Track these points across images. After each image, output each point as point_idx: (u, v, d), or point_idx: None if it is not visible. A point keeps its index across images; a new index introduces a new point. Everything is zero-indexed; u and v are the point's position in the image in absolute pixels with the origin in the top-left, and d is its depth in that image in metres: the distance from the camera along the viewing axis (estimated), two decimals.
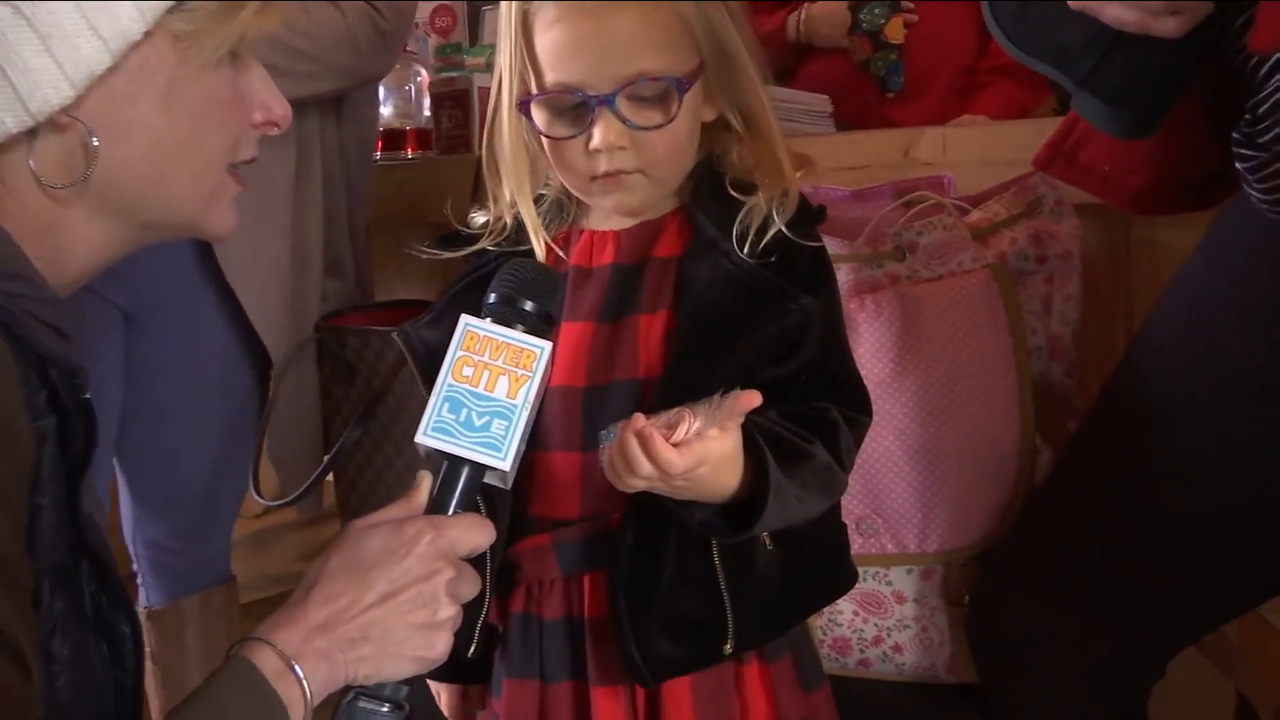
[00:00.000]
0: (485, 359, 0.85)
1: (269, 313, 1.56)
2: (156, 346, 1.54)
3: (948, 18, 2.14)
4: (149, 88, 0.81)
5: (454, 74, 1.85)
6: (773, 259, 1.00)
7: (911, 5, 2.13)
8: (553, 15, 0.99)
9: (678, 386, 0.96)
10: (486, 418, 0.84)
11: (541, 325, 0.89)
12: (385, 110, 1.94)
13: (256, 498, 1.47)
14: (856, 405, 1.02)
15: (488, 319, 0.87)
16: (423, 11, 2.06)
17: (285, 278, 1.58)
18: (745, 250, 1.00)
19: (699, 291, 1.00)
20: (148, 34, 0.79)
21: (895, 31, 2.13)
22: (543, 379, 0.86)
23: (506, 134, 1.05)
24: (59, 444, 0.75)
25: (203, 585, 1.69)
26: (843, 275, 1.29)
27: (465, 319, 0.86)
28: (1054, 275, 1.24)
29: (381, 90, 1.93)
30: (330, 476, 1.61)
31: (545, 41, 1.00)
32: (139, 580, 1.70)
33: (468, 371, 0.85)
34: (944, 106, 2.09)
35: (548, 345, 0.87)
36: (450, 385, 0.84)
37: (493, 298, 0.89)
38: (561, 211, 1.08)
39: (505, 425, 0.84)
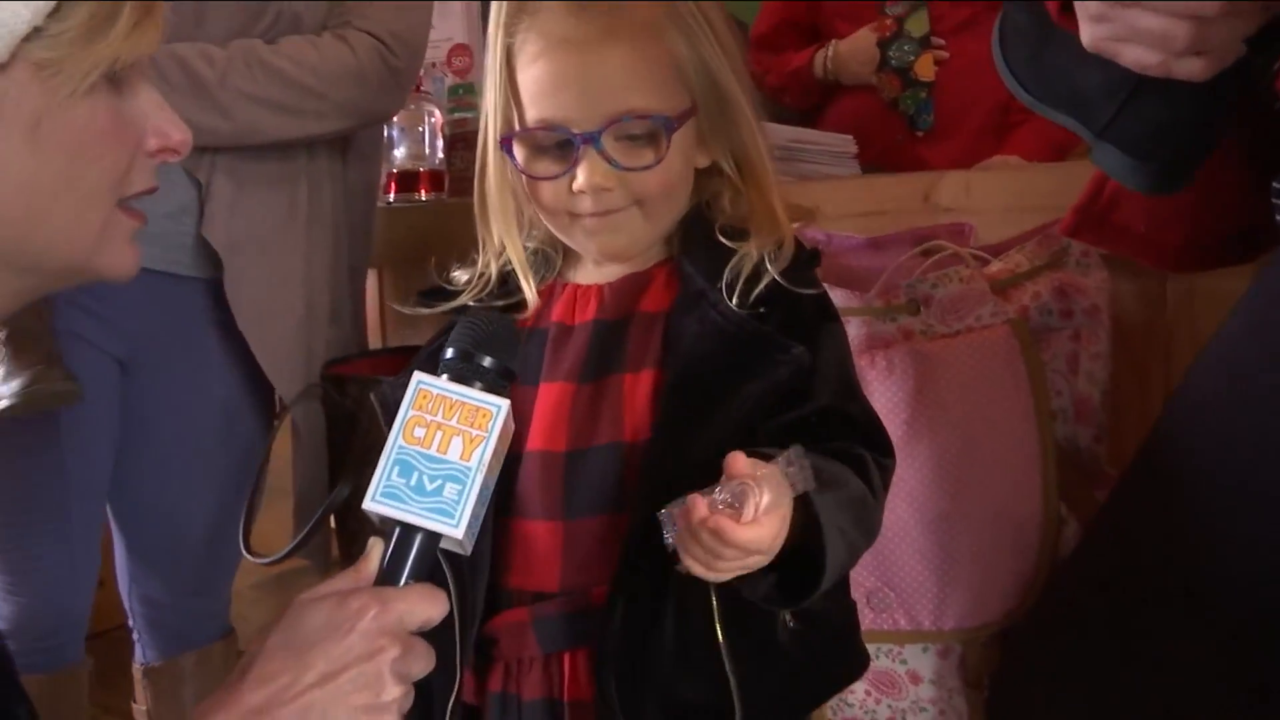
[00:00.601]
0: (438, 419, 0.79)
1: (281, 361, 1.52)
2: (154, 397, 1.50)
3: (980, 55, 2.03)
4: (12, 123, 0.74)
5: (467, 114, 1.81)
6: (763, 309, 0.94)
7: (942, 42, 2.06)
8: (537, 49, 0.96)
9: (669, 449, 0.92)
10: (439, 481, 0.78)
11: (500, 382, 0.83)
12: (399, 151, 1.90)
13: (246, 555, 1.41)
14: (879, 447, 0.95)
15: (444, 375, 0.81)
16: (440, 51, 2.02)
17: (297, 325, 1.53)
18: (735, 300, 0.94)
19: (687, 347, 0.94)
20: (5, 66, 0.72)
21: (925, 69, 2.06)
22: (499, 439, 0.80)
23: (492, 174, 1.02)
24: None
25: (201, 642, 1.64)
26: (853, 330, 1.21)
27: (418, 376, 0.80)
28: (1080, 332, 1.15)
29: (395, 131, 1.90)
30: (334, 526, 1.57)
31: (528, 76, 0.96)
32: (135, 636, 1.65)
33: (419, 432, 0.79)
34: (976, 146, 2.01)
35: (504, 403, 0.80)
36: (401, 447, 0.78)
37: (449, 353, 0.83)
38: (547, 264, 1.04)
39: (459, 490, 0.78)
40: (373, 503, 0.78)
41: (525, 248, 1.04)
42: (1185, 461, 1.01)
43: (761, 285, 0.94)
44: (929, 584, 1.16)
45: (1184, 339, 1.30)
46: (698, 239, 0.99)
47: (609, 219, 0.96)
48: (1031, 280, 1.16)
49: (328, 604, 0.75)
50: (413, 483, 0.78)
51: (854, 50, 2.10)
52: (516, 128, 0.97)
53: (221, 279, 1.46)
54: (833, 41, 2.15)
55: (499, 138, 0.99)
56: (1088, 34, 0.80)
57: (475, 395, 0.80)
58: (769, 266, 0.95)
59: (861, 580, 1.18)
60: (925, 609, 1.17)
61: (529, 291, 1.03)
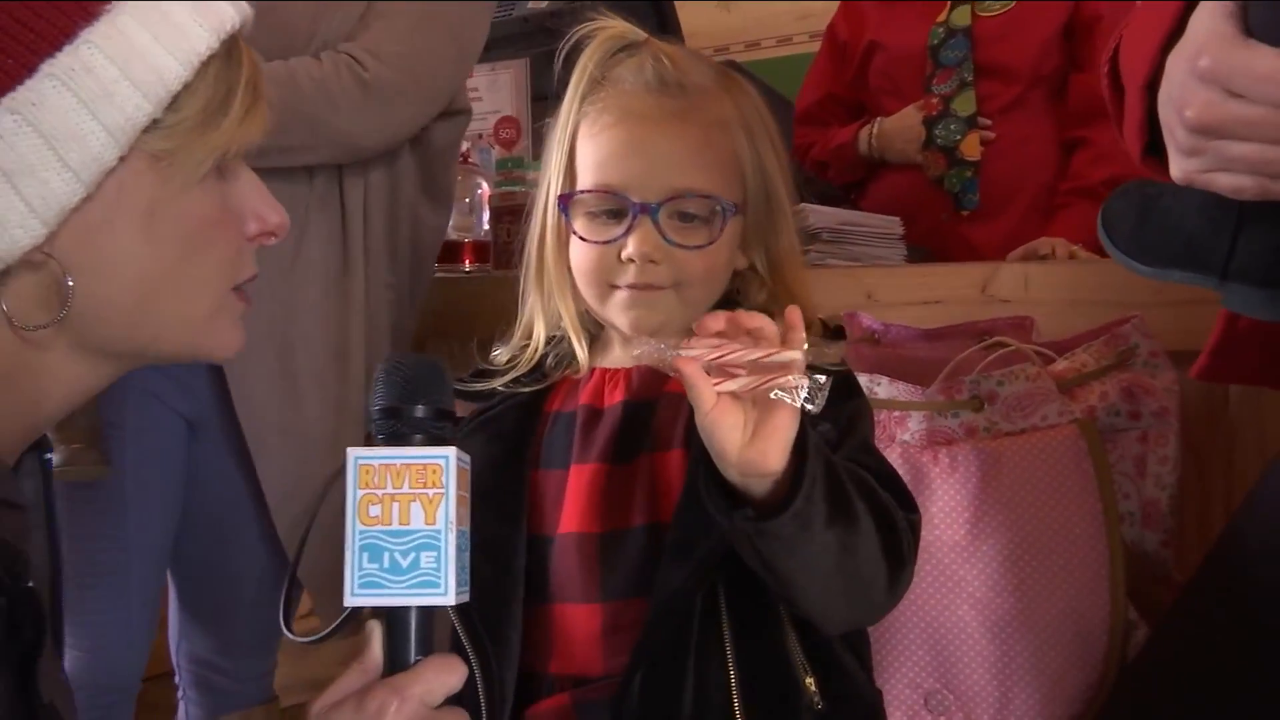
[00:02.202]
0: (389, 490, 0.75)
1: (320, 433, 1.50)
2: (217, 456, 1.50)
3: (1027, 135, 2.06)
4: (129, 215, 0.74)
5: (515, 188, 1.81)
6: None
7: (988, 122, 2.06)
8: (611, 119, 0.99)
9: (691, 521, 0.91)
10: (412, 554, 0.75)
11: (438, 426, 0.78)
12: None
13: (288, 634, 1.39)
14: (903, 501, 0.93)
15: (379, 437, 0.78)
16: (486, 123, 2.04)
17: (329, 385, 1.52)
18: None
19: None
20: (123, 158, 0.73)
21: (972, 148, 2.05)
22: (458, 487, 0.76)
23: (550, 238, 1.03)
24: (7, 628, 0.67)
25: (245, 704, 1.63)
26: (913, 424, 1.20)
27: (352, 453, 0.76)
28: (1148, 434, 1.14)
29: None
30: None
31: (597, 143, 0.99)
32: (180, 694, 1.65)
33: (375, 511, 0.75)
34: (1021, 226, 2.00)
35: (450, 452, 0.75)
36: (361, 532, 0.75)
37: (376, 413, 0.78)
38: (571, 355, 1.05)
39: (434, 556, 0.74)
40: (353, 597, 0.75)
41: (554, 337, 1.06)
42: (1259, 564, 0.99)
43: None
44: (990, 688, 1.13)
45: (1249, 437, 1.27)
46: None
47: (647, 295, 0.98)
48: (1099, 380, 1.14)
49: (346, 709, 0.73)
50: (386, 564, 0.75)
51: (900, 128, 2.10)
52: (576, 189, 1.00)
53: None
54: (878, 119, 2.15)
55: (557, 196, 1.01)
56: (1179, 168, 0.79)
57: (417, 454, 0.76)
58: None
59: (920, 681, 1.15)
60: (986, 713, 1.14)
61: (580, 350, 1.04)
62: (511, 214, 1.79)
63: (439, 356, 0.88)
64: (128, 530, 1.44)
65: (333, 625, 1.45)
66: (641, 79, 0.99)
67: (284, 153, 1.40)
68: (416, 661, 0.76)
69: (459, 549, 0.76)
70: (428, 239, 1.64)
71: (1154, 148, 0.88)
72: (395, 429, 0.77)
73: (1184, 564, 1.11)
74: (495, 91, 2.03)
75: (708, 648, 0.92)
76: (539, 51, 2.03)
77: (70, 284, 0.73)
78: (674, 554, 0.93)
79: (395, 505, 0.75)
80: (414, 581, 0.75)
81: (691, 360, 0.78)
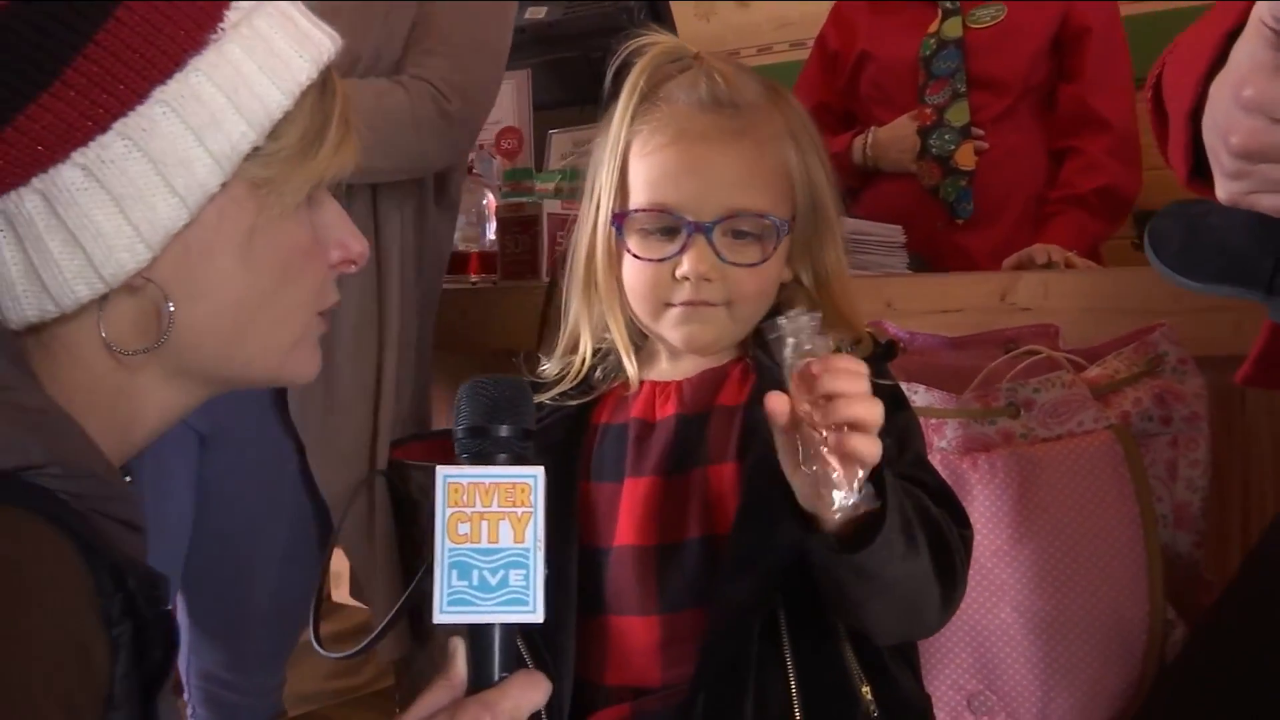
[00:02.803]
0: (478, 508, 0.75)
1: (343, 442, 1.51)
2: (229, 470, 1.50)
3: (1017, 145, 2.11)
4: (228, 241, 0.76)
5: (523, 199, 1.82)
6: None
7: (981, 132, 2.10)
8: (665, 139, 1.00)
9: (749, 538, 0.93)
10: (501, 572, 0.75)
11: (524, 446, 0.79)
12: None
13: (319, 649, 1.38)
14: (957, 517, 0.96)
15: (463, 456, 0.78)
16: (487, 133, 2.04)
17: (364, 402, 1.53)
18: None
19: (767, 439, 0.94)
20: (224, 185, 0.74)
21: (966, 158, 2.09)
22: (545, 507, 0.77)
23: (600, 255, 1.04)
24: (134, 654, 0.67)
25: (255, 719, 1.63)
26: (950, 431, 1.22)
27: (441, 471, 0.76)
28: (1179, 438, 1.17)
29: None
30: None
31: (650, 162, 1.00)
32: (189, 711, 1.64)
33: (464, 529, 0.75)
34: (1014, 234, 2.05)
35: (539, 471, 0.76)
36: (451, 550, 0.75)
37: (461, 432, 0.79)
38: (619, 367, 1.07)
39: (523, 574, 0.75)
40: (442, 614, 0.75)
41: (599, 350, 1.07)
42: None
43: None
44: (1033, 688, 1.16)
45: (1265, 439, 1.32)
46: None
47: (699, 310, 0.99)
48: (1132, 386, 1.18)
49: None
50: (475, 582, 0.75)
51: (895, 137, 2.14)
52: (630, 208, 1.01)
53: None
54: (872, 128, 2.19)
55: (611, 215, 1.02)
56: (1224, 191, 0.82)
57: (507, 473, 0.76)
58: None
59: (964, 683, 1.17)
60: (1029, 714, 1.16)
61: (630, 365, 1.05)
62: (519, 225, 1.80)
63: (520, 377, 0.89)
64: (143, 544, 1.43)
65: (367, 640, 1.46)
66: (695, 96, 1.00)
67: (365, 173, 1.41)
68: (502, 678, 0.77)
69: (543, 568, 0.77)
70: (442, 250, 1.65)
71: (1199, 170, 0.91)
72: (481, 448, 0.78)
73: (1227, 567, 1.14)
74: (497, 101, 2.04)
75: (768, 661, 0.93)
76: (540, 61, 2.04)
77: (171, 309, 0.74)
78: (733, 569, 0.94)
79: (484, 523, 0.76)
80: (503, 599, 0.75)
81: (782, 402, 0.82)
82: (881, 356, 1.03)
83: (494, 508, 0.76)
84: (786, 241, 1.02)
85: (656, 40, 1.03)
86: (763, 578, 0.93)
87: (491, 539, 0.76)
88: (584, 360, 1.07)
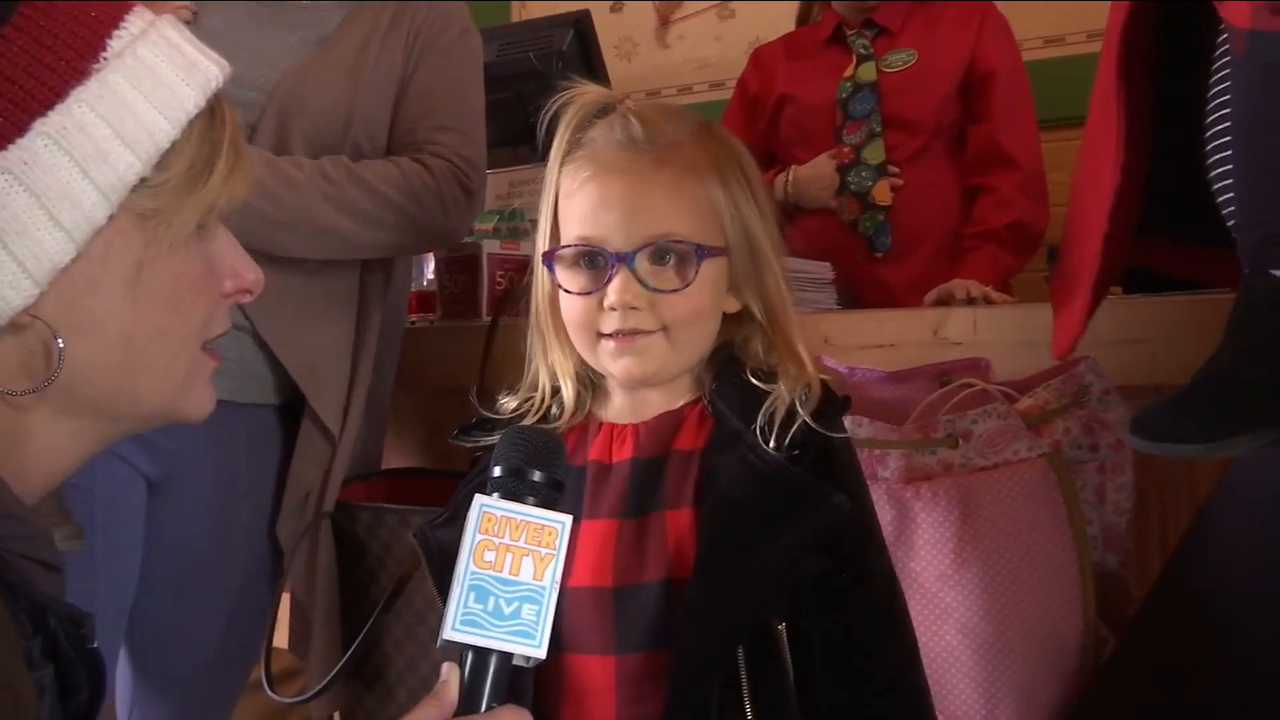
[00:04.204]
0: (506, 540, 0.80)
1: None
2: (178, 516, 1.48)
3: (931, 182, 2.20)
4: (115, 274, 0.75)
5: (465, 238, 1.83)
6: (798, 452, 0.99)
7: (897, 170, 2.19)
8: (587, 174, 1.03)
9: (709, 588, 0.95)
10: (515, 604, 0.80)
11: (554, 495, 0.85)
12: None
13: (270, 694, 1.38)
14: (903, 641, 1.02)
15: (495, 494, 0.83)
16: None
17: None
18: (771, 443, 0.98)
19: (724, 487, 0.98)
20: (111, 217, 0.73)
21: (883, 194, 2.18)
22: (565, 555, 0.82)
23: (542, 293, 1.08)
24: (58, 696, 0.67)
25: None
26: (893, 462, 1.28)
27: (480, 499, 0.82)
28: (1105, 464, 1.25)
29: None
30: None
31: (574, 201, 1.03)
32: None
33: (490, 556, 0.80)
34: (931, 268, 2.13)
35: (567, 519, 0.83)
36: (474, 573, 0.79)
37: (498, 471, 0.84)
38: (577, 403, 1.09)
39: (536, 610, 0.80)
40: (453, 631, 0.79)
41: (558, 387, 1.09)
42: (1208, 577, 1.09)
43: (794, 428, 0.99)
44: (977, 706, 1.22)
45: (1178, 462, 1.40)
46: (729, 379, 1.05)
47: (635, 341, 1.01)
48: (1061, 417, 1.25)
49: None
50: (490, 608, 0.79)
51: (815, 176, 2.22)
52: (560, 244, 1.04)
53: (259, 404, 1.47)
54: (792, 167, 2.26)
55: (543, 253, 1.05)
56: None
57: (540, 514, 0.82)
58: (800, 410, 1.00)
59: None
60: None
61: (568, 394, 1.08)
62: (459, 265, 1.81)
63: (550, 433, 0.93)
64: (96, 597, 1.40)
65: (320, 685, 1.45)
66: (613, 137, 1.03)
67: (398, 249, 1.54)
68: (491, 708, 0.79)
69: (552, 612, 0.81)
70: (403, 288, 1.67)
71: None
72: (514, 488, 0.83)
73: (1149, 583, 1.21)
74: None
75: (729, 711, 0.94)
76: None
77: (60, 345, 0.72)
78: (693, 624, 0.95)
79: (509, 556, 0.80)
80: (512, 629, 0.79)
81: None
82: (838, 409, 1.04)
83: (521, 543, 0.81)
84: (720, 269, 1.03)
85: (584, 90, 1.07)
86: (722, 634, 0.94)
87: (513, 571, 0.80)
88: (543, 398, 1.10)
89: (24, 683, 0.64)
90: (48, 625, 0.66)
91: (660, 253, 1.00)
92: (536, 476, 0.83)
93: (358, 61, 1.49)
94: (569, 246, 1.03)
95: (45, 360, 0.73)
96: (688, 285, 1.00)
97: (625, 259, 0.99)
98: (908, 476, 1.27)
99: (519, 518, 0.81)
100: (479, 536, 0.80)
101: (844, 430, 1.05)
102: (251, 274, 0.84)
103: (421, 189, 1.47)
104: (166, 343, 0.79)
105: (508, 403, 1.12)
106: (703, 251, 1.00)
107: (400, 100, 1.53)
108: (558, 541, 0.81)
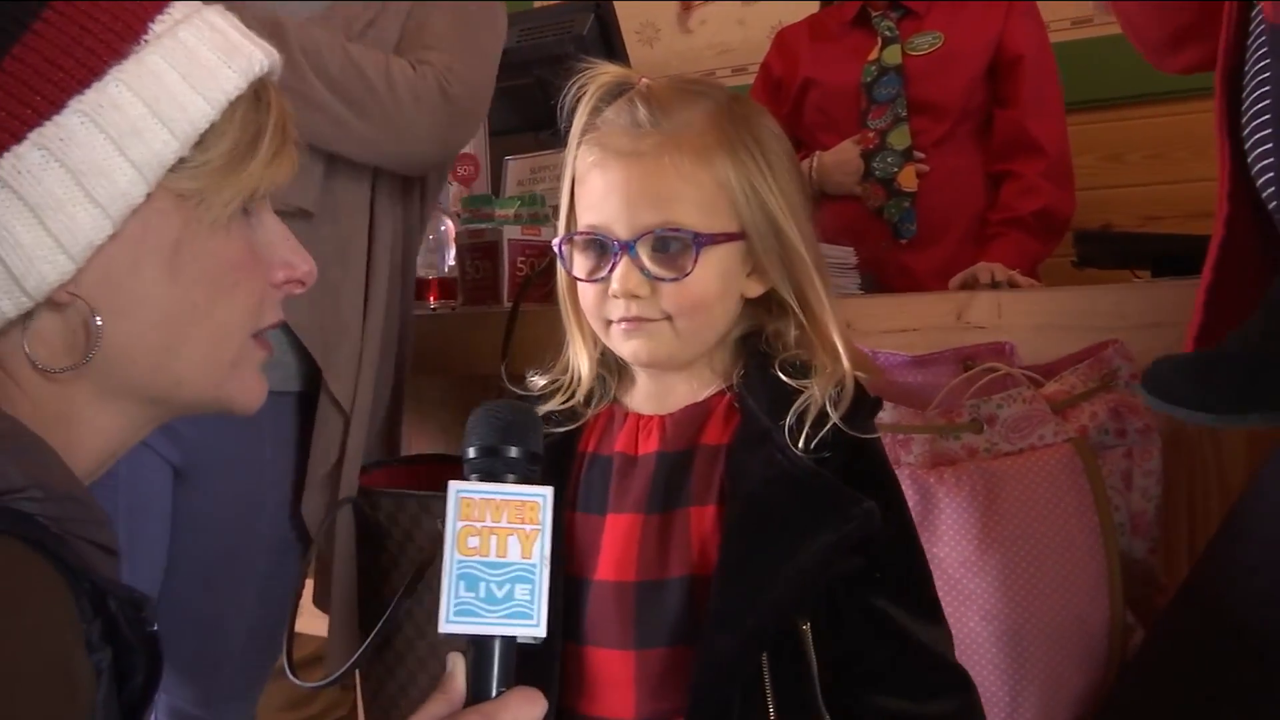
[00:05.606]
0: (488, 523, 0.78)
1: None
2: (204, 503, 1.48)
3: (958, 167, 2.18)
4: (154, 254, 0.75)
5: (483, 225, 1.83)
6: (827, 454, 0.96)
7: (923, 155, 2.17)
8: (595, 159, 1.02)
9: (734, 589, 0.93)
10: (507, 586, 0.78)
11: (531, 469, 0.82)
12: None
13: (293, 679, 1.38)
14: (949, 678, 1.00)
15: (473, 475, 0.81)
16: None
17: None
18: (800, 443, 0.96)
19: (752, 488, 0.97)
20: (149, 196, 0.73)
21: (908, 180, 2.16)
22: (552, 526, 0.80)
23: (562, 279, 1.07)
24: (114, 679, 0.67)
25: None
26: (917, 447, 1.27)
27: (454, 486, 0.79)
28: (1133, 449, 1.23)
29: None
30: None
31: (584, 187, 1.03)
32: None
33: (473, 542, 0.78)
34: (957, 254, 2.11)
35: (548, 491, 0.80)
36: (460, 561, 0.77)
37: (472, 452, 0.82)
38: (602, 386, 1.08)
39: (529, 589, 0.78)
40: (448, 624, 0.77)
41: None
42: (1242, 571, 1.08)
43: (825, 430, 0.96)
44: (1002, 694, 1.20)
45: (1208, 448, 1.38)
46: (757, 372, 1.02)
47: (641, 326, 1.00)
48: (1088, 401, 1.23)
49: None
50: (481, 594, 0.77)
51: (839, 161, 2.20)
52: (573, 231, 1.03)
53: (281, 392, 1.46)
54: (817, 153, 2.24)
55: (555, 241, 1.05)
56: None
57: (518, 491, 0.79)
58: (831, 412, 0.97)
59: None
60: (998, 718, 1.21)
61: (586, 376, 1.06)
62: (480, 251, 1.81)
63: (522, 405, 0.91)
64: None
65: (341, 669, 1.45)
66: (622, 120, 1.01)
67: (355, 141, 1.45)
68: (501, 693, 0.78)
69: (548, 585, 0.79)
70: (412, 253, 1.67)
71: None
72: (491, 468, 0.81)
73: (1177, 570, 1.20)
74: None
75: (751, 711, 0.93)
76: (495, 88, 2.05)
77: (99, 323, 0.73)
78: (717, 626, 0.93)
79: (494, 538, 0.78)
80: (508, 612, 0.77)
81: None
82: (869, 411, 1.01)
83: (504, 523, 0.78)
84: (737, 256, 1.01)
85: (604, 71, 1.05)
86: (750, 637, 0.93)
87: (500, 553, 0.78)
88: (572, 380, 1.08)
89: (82, 670, 0.64)
90: (107, 608, 0.66)
91: (660, 241, 0.98)
92: (513, 452, 0.80)
93: (359, 17, 1.48)
94: (579, 234, 1.02)
95: (86, 340, 0.74)
96: (687, 274, 0.98)
97: (627, 247, 0.98)
98: (931, 461, 1.26)
99: (498, 498, 0.78)
100: (460, 524, 0.78)
101: (874, 431, 1.02)
102: (305, 265, 0.84)
103: (399, 75, 1.43)
104: (209, 325, 0.78)
105: (536, 380, 1.11)
106: (702, 240, 0.97)
107: (401, 38, 1.51)
108: (541, 515, 0.79)
